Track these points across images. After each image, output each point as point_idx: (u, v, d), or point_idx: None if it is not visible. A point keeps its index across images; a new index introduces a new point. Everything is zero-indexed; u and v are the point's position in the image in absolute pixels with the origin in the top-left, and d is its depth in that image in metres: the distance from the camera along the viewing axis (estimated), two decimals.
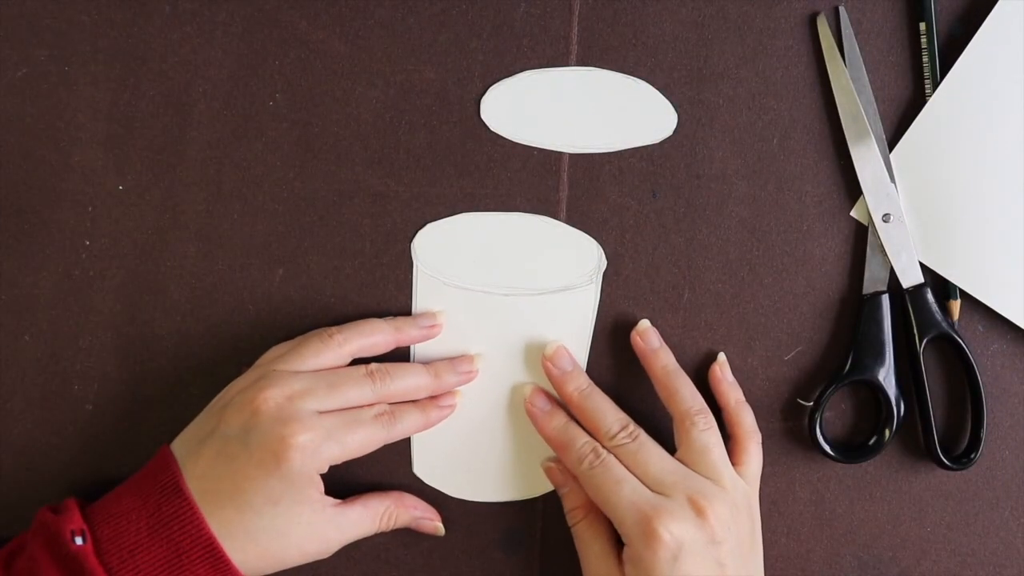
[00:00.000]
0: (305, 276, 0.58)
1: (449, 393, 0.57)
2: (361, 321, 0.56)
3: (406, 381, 0.55)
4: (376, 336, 0.56)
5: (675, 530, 0.51)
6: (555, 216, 0.59)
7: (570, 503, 0.56)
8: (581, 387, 0.57)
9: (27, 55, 0.58)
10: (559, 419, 0.57)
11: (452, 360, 0.57)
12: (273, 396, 0.51)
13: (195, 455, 0.52)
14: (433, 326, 0.57)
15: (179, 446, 0.53)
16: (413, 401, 0.56)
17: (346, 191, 0.58)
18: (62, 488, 0.58)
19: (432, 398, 0.57)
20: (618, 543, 0.54)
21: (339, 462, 0.53)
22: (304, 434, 0.51)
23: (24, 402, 0.58)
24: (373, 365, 0.55)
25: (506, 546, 0.59)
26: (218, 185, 0.58)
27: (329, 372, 0.54)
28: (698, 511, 0.52)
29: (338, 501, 0.54)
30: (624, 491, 0.53)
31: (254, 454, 0.51)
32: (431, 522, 0.58)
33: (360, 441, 0.53)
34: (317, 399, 0.52)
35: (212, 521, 0.50)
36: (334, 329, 0.55)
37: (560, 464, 0.57)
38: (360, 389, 0.54)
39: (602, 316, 0.59)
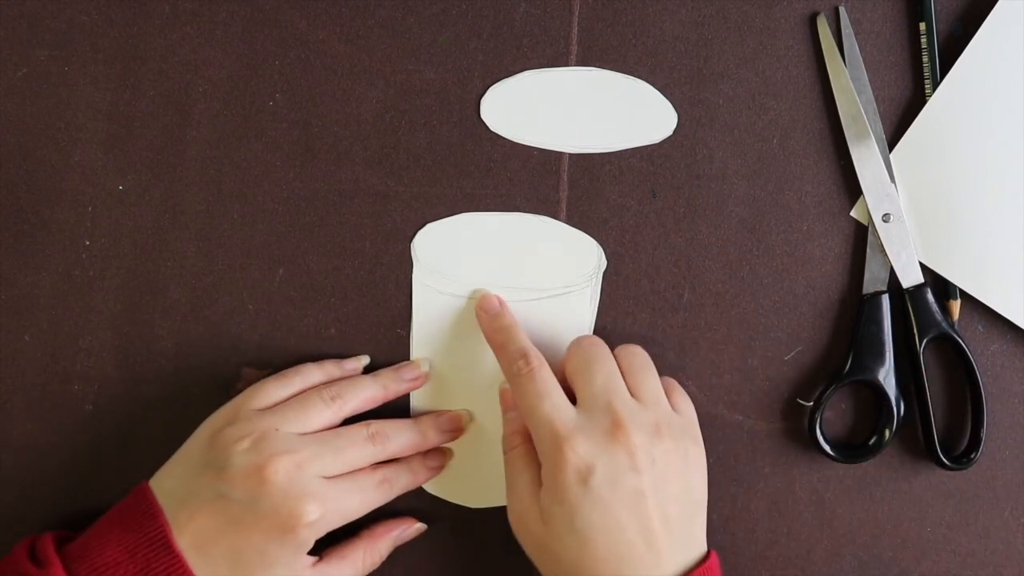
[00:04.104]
0: (305, 276, 0.58)
1: (437, 454, 0.58)
2: (353, 381, 0.56)
3: (400, 441, 0.56)
4: (368, 394, 0.56)
5: (583, 451, 0.50)
6: (555, 216, 0.59)
7: (509, 428, 0.55)
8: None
9: (27, 55, 0.58)
10: (504, 320, 0.56)
11: (439, 419, 0.58)
12: (283, 466, 0.51)
13: (189, 508, 0.51)
14: (417, 378, 0.58)
15: (165, 492, 0.52)
16: (403, 459, 0.57)
17: (346, 191, 0.58)
18: (62, 488, 0.58)
19: (422, 456, 0.57)
20: None
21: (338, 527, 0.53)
22: (316, 511, 0.51)
23: (24, 402, 0.58)
24: (373, 428, 0.55)
25: (506, 547, 0.59)
26: (218, 185, 0.58)
27: (333, 435, 0.54)
28: (616, 435, 0.50)
29: (317, 559, 0.53)
30: (545, 406, 0.51)
31: (260, 522, 0.51)
32: (411, 528, 0.58)
33: (361, 508, 0.54)
34: (324, 464, 0.52)
35: (201, 575, 0.50)
36: (334, 390, 0.55)
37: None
38: (362, 452, 0.54)
39: (602, 316, 0.59)
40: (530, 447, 0.53)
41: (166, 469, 0.54)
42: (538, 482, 0.52)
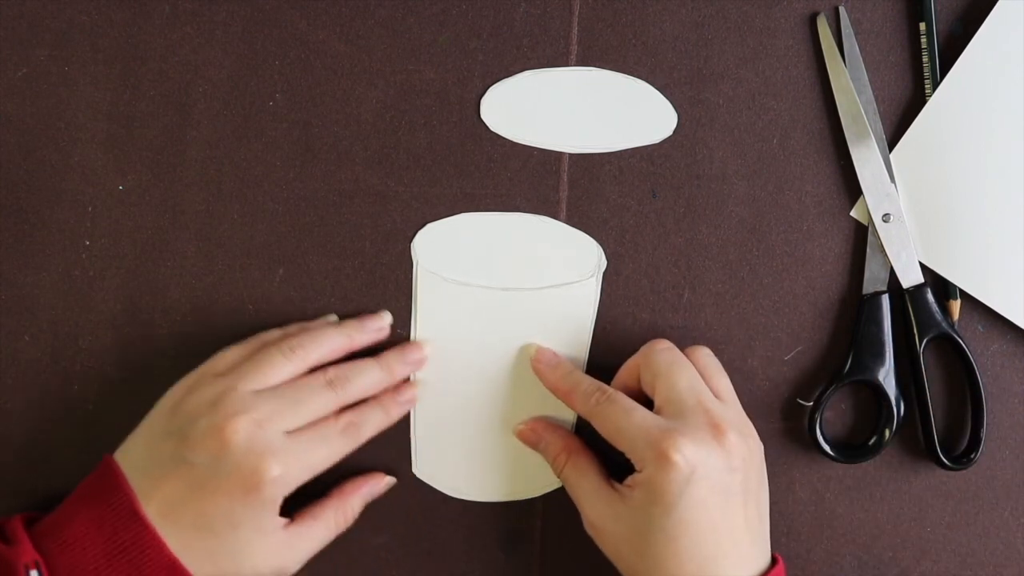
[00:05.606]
0: (305, 276, 0.58)
1: (408, 386, 0.58)
2: (314, 329, 0.56)
3: (363, 381, 0.55)
4: (332, 344, 0.55)
5: (689, 453, 0.50)
6: (555, 216, 0.59)
7: (551, 452, 0.56)
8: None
9: (27, 55, 0.58)
10: (564, 368, 0.57)
11: (402, 350, 0.57)
12: (243, 425, 0.51)
13: (153, 477, 0.51)
14: (381, 329, 0.57)
15: (130, 464, 0.52)
16: (374, 397, 0.56)
17: (346, 191, 0.58)
18: (62, 488, 0.58)
19: (392, 393, 0.57)
20: (608, 474, 0.54)
21: (306, 481, 0.53)
22: (278, 467, 0.51)
23: (24, 402, 0.58)
24: (331, 373, 0.54)
25: (506, 546, 0.59)
26: (218, 185, 0.58)
27: (291, 387, 0.53)
28: (716, 435, 0.51)
29: (288, 521, 0.53)
30: (635, 418, 0.52)
31: (223, 483, 0.50)
32: (382, 483, 0.57)
33: (327, 458, 0.53)
34: (284, 419, 0.52)
35: (170, 542, 0.50)
36: (293, 341, 0.54)
37: (529, 424, 0.57)
38: (323, 399, 0.54)
39: (602, 316, 0.59)
40: (578, 457, 0.55)
41: (130, 441, 0.54)
42: (602, 483, 0.53)
